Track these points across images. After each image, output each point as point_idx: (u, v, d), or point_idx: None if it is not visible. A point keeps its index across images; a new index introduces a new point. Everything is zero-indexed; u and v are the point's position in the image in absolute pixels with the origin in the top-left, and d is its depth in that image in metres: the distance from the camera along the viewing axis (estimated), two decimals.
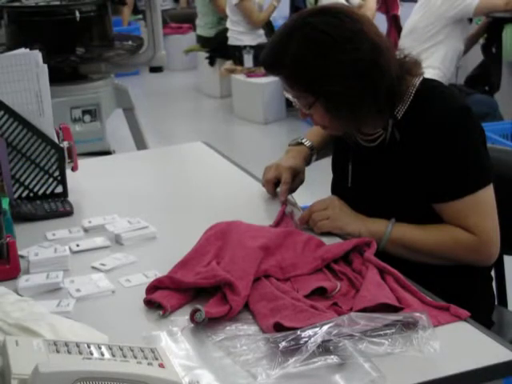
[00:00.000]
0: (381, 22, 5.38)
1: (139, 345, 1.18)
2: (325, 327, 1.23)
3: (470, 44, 4.77)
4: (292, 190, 1.92)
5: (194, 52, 7.38)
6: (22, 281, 1.53)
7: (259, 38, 6.33)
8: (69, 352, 1.12)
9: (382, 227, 1.68)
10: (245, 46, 6.30)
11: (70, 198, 2.00)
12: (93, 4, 3.80)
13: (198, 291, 1.45)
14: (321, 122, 1.71)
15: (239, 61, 6.38)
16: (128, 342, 1.18)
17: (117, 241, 1.74)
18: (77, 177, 2.06)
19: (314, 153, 1.98)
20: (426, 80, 1.71)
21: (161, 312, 1.39)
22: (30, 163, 1.99)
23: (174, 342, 1.30)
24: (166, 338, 1.31)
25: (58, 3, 3.82)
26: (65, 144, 2.00)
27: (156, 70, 4.30)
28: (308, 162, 1.98)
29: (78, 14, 3.65)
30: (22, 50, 2.01)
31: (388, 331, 1.26)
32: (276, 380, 1.18)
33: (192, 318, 1.33)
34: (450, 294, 1.46)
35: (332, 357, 1.21)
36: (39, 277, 1.54)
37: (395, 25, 5.61)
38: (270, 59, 1.68)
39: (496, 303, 1.93)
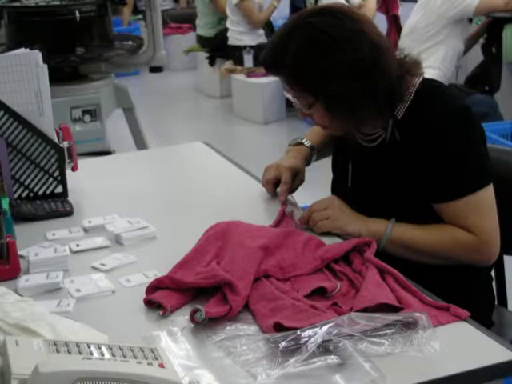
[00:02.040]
0: (381, 22, 5.38)
1: (139, 345, 1.18)
2: (325, 327, 1.23)
3: (470, 44, 4.77)
4: (292, 190, 1.92)
5: (194, 52, 7.38)
6: (22, 281, 1.53)
7: (259, 37, 6.34)
8: (69, 352, 1.12)
9: (382, 227, 1.68)
10: (245, 46, 6.30)
11: (70, 197, 2.00)
12: (93, 4, 3.80)
13: (198, 291, 1.45)
14: (321, 122, 1.71)
15: (239, 61, 6.38)
16: (128, 342, 1.19)
17: (117, 241, 1.74)
18: (77, 177, 2.06)
19: (314, 153, 1.98)
20: (426, 80, 1.71)
21: (161, 312, 1.39)
22: (30, 163, 1.99)
23: (173, 342, 1.30)
24: (165, 338, 1.31)
25: (57, 3, 3.82)
26: (65, 144, 2.00)
27: (156, 69, 4.31)
28: (308, 162, 1.98)
29: (77, 14, 3.65)
30: (22, 50, 2.01)
31: (388, 331, 1.26)
32: (276, 380, 1.18)
33: (192, 318, 1.33)
34: (450, 294, 1.46)
35: (332, 357, 1.21)
36: (39, 277, 1.54)
37: (395, 25, 5.61)
38: (270, 59, 1.68)
39: (496, 303, 1.93)
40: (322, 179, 2.22)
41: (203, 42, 6.99)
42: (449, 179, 1.64)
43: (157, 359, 1.14)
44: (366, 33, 1.60)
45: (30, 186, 2.00)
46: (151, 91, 7.48)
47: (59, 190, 2.02)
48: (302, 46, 1.60)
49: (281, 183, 1.91)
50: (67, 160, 2.01)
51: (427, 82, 1.71)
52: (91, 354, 1.13)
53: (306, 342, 1.21)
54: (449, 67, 4.50)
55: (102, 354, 1.13)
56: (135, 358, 1.13)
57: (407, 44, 4.25)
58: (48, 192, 2.02)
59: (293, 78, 1.65)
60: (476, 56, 4.97)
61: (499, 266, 1.98)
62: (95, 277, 1.56)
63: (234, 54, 6.42)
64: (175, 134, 6.06)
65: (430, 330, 1.25)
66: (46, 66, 1.99)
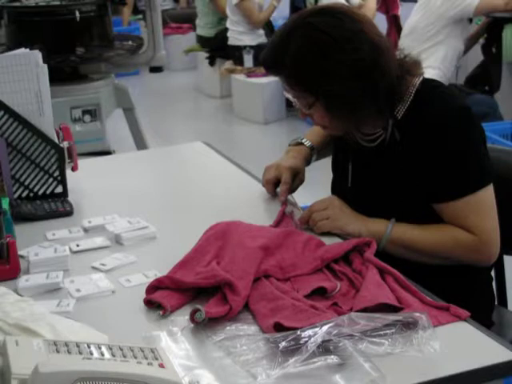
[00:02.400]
0: (381, 22, 5.38)
1: (139, 345, 1.18)
2: (325, 327, 1.23)
3: (470, 44, 4.77)
4: (292, 190, 1.92)
5: (194, 52, 7.38)
6: (22, 281, 1.53)
7: (259, 37, 6.34)
8: (69, 352, 1.12)
9: (382, 227, 1.68)
10: (245, 46, 6.30)
11: (70, 197, 2.00)
12: (93, 4, 3.80)
13: (198, 291, 1.45)
14: (321, 122, 1.71)
15: (239, 61, 6.38)
16: (128, 342, 1.18)
17: (117, 241, 1.74)
18: (77, 177, 2.06)
19: (314, 153, 1.98)
20: (426, 80, 1.71)
21: (161, 312, 1.39)
22: (30, 163, 1.99)
23: (173, 342, 1.30)
24: (165, 338, 1.31)
25: (57, 3, 3.82)
26: (65, 144, 2.00)
27: (156, 69, 4.31)
28: (308, 162, 1.98)
29: (77, 14, 3.65)
30: (22, 50, 2.01)
31: (388, 331, 1.26)
32: (276, 380, 1.18)
33: (192, 318, 1.33)
34: (450, 294, 1.46)
35: (332, 357, 1.21)
36: (39, 277, 1.54)
37: (395, 25, 5.61)
38: (270, 59, 1.68)
39: (496, 303, 1.93)
40: (322, 179, 2.22)
41: (203, 42, 6.99)
42: (449, 179, 1.64)
43: (157, 359, 1.14)
44: (366, 33, 1.60)
45: (30, 186, 2.00)
46: (151, 91, 7.48)
47: (59, 190, 2.02)
48: (302, 46, 1.60)
49: (281, 183, 1.91)
50: (67, 160, 2.01)
51: (427, 82, 1.71)
52: (91, 354, 1.13)
53: (306, 341, 1.21)
54: (449, 67, 4.50)
55: (102, 354, 1.13)
56: (135, 357, 1.13)
57: (407, 44, 4.25)
58: (48, 192, 2.02)
59: (293, 78, 1.65)
60: (476, 56, 4.97)
61: (499, 266, 1.98)
62: (95, 277, 1.56)
63: (234, 54, 6.42)
64: (175, 134, 6.06)
65: (430, 330, 1.25)
66: (45, 66, 1.99)
